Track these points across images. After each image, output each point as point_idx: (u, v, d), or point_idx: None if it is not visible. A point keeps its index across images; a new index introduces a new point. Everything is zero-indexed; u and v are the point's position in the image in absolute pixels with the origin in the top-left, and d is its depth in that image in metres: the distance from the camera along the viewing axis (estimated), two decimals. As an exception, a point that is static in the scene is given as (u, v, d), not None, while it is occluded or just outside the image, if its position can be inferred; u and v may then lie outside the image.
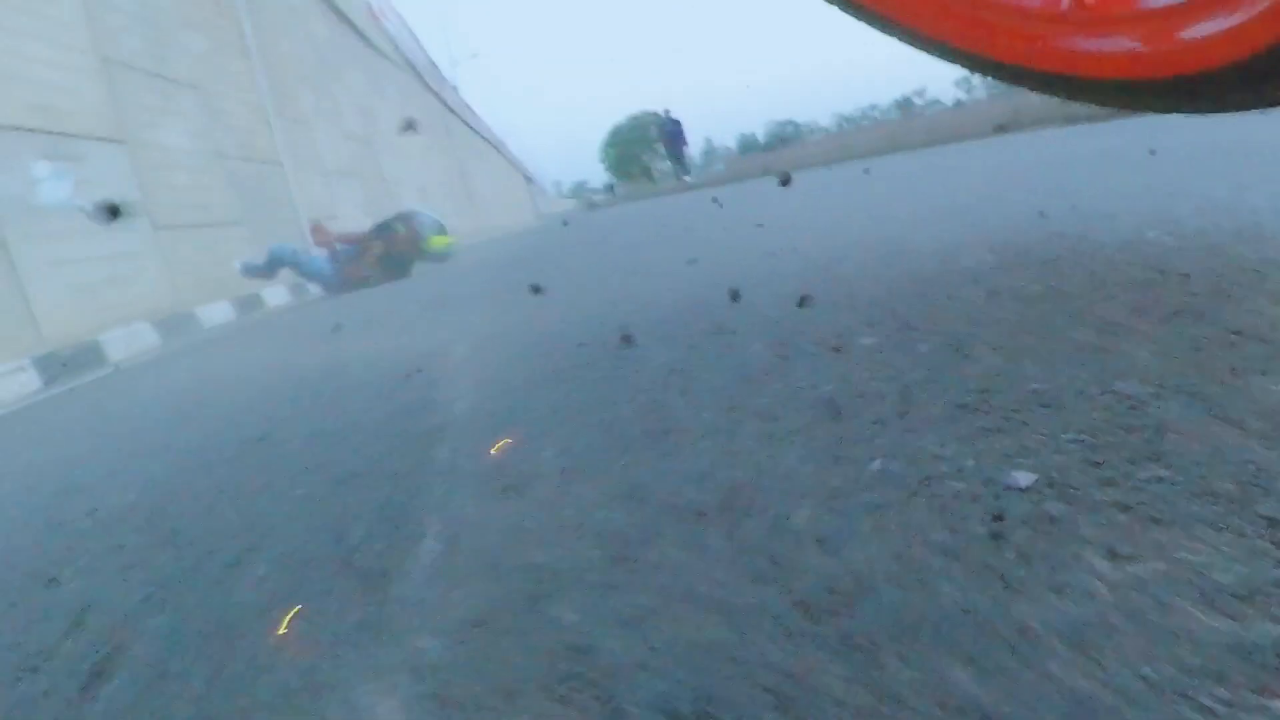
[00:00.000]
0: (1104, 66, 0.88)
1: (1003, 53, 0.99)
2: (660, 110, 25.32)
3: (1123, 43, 0.84)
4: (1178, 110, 0.90)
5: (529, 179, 61.02)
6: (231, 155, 8.60)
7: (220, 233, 7.76)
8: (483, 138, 40.32)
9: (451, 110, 30.13)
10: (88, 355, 5.00)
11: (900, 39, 1.13)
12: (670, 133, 24.51)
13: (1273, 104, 0.79)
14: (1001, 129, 8.26)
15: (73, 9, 6.31)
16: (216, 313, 6.70)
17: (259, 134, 9.58)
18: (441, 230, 7.35)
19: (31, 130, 5.45)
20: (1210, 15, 0.75)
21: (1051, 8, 0.93)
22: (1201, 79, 0.79)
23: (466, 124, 34.51)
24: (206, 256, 7.34)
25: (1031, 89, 1.02)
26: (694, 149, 29.96)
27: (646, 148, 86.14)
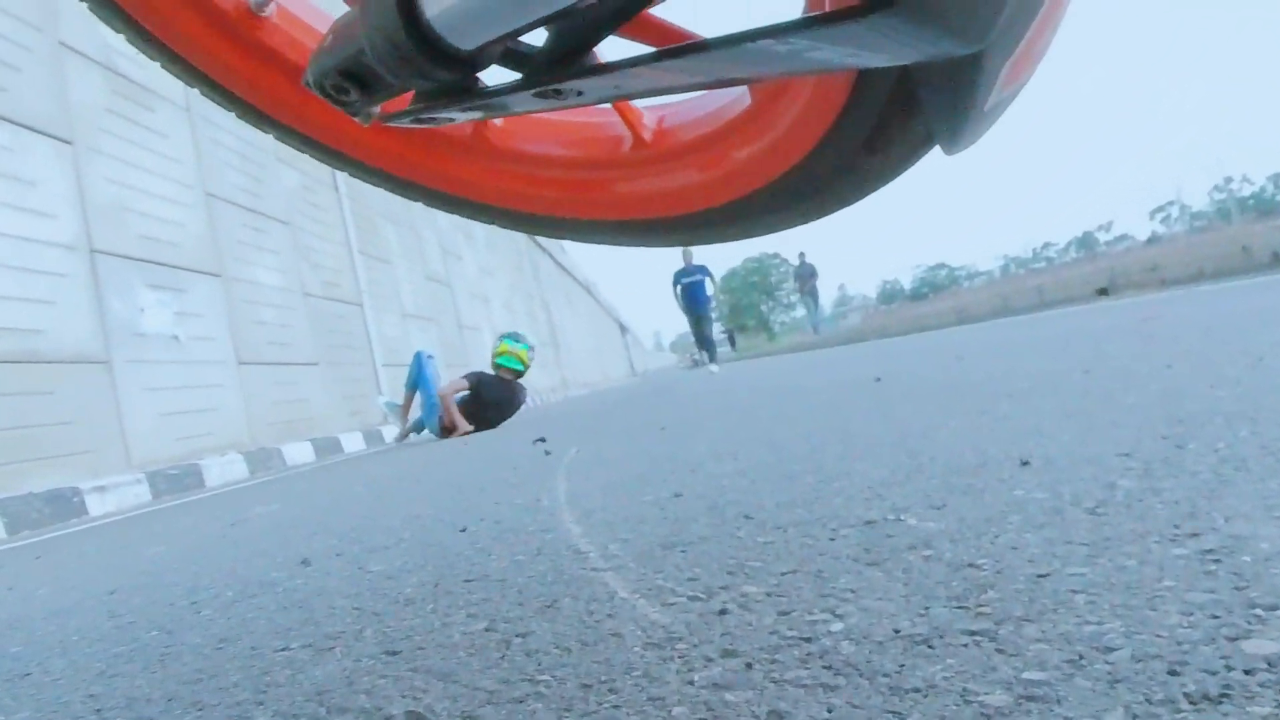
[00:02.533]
0: (670, 204, 1.07)
1: (553, 207, 1.17)
2: (797, 255, 25.92)
3: (687, 175, 1.02)
4: (722, 239, 1.12)
5: (624, 329, 62.92)
6: (315, 293, 9.70)
7: (297, 373, 8.68)
8: (573, 278, 42.62)
9: (540, 246, 32.20)
10: (190, 477, 5.87)
11: (467, 213, 1.27)
12: (806, 279, 25.02)
13: (806, 220, 1.01)
14: (1103, 293, 8.41)
15: (183, 145, 7.56)
16: (298, 452, 7.48)
17: (343, 272, 10.76)
18: (517, 339, 7.79)
19: (141, 260, 6.54)
20: (757, 136, 0.94)
21: (612, 153, 1.09)
22: (759, 199, 0.99)
23: (556, 262, 36.65)
24: (283, 394, 8.23)
25: (577, 239, 1.23)
26: (823, 297, 29.46)
27: (765, 296, 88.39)
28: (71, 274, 5.89)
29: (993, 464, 1.60)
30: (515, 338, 7.82)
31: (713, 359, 15.90)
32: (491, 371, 7.66)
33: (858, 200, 0.97)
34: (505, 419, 7.57)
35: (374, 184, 1.27)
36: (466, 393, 7.45)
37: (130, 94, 7.04)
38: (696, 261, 15.65)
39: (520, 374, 7.68)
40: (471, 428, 7.30)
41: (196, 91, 1.21)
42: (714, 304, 15.77)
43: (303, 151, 1.25)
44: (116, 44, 6.78)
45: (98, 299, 6.05)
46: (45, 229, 5.75)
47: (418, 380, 7.72)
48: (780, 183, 0.97)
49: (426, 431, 7.83)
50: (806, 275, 25.70)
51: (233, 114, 1.21)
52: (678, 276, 15.44)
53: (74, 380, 5.68)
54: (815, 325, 26.12)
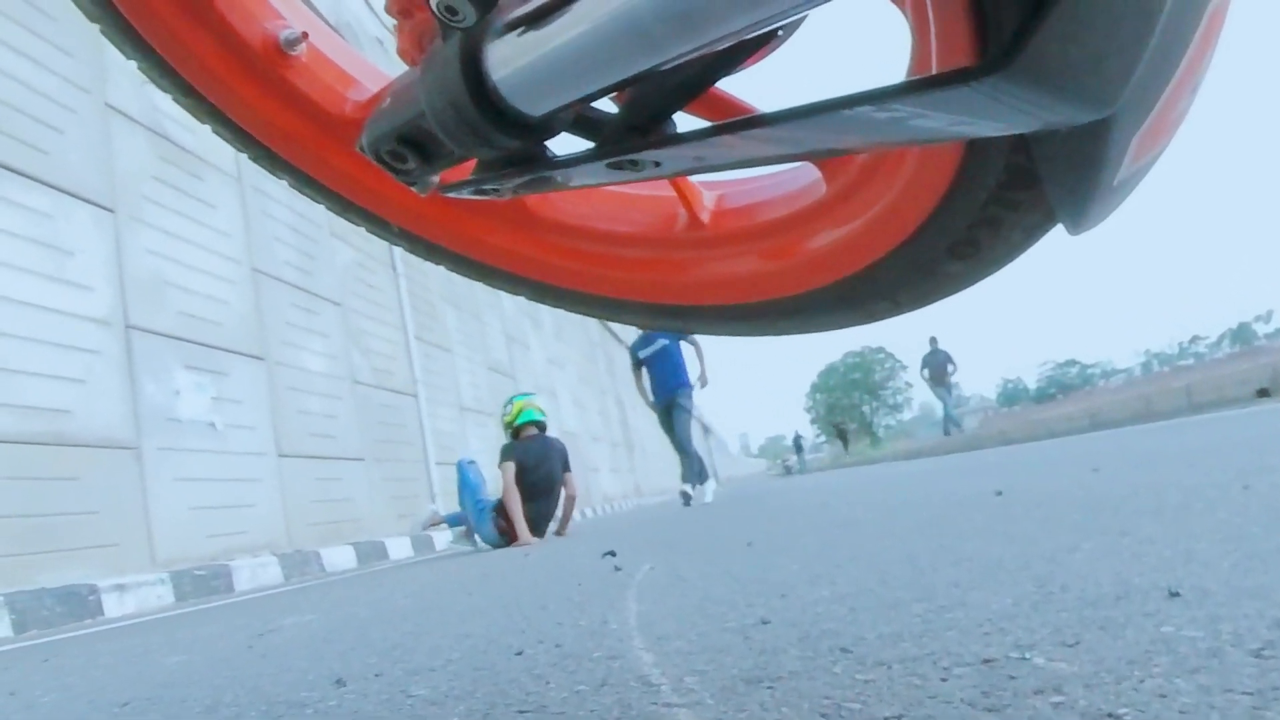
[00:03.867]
0: (726, 292, 1.08)
1: (595, 284, 1.18)
2: (928, 340, 23.84)
3: (747, 263, 1.03)
4: (781, 333, 1.11)
5: (706, 430, 62.88)
6: (366, 381, 9.93)
7: (342, 468, 8.84)
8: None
9: (614, 335, 32.54)
10: (218, 579, 6.00)
11: (508, 289, 1.29)
12: (939, 370, 23.11)
13: (882, 319, 1.00)
14: (1263, 394, 8.15)
15: (231, 216, 7.91)
16: (339, 557, 7.56)
17: (397, 359, 11.02)
18: (524, 394, 8.22)
19: (180, 339, 6.81)
20: (833, 226, 0.93)
21: (663, 231, 1.10)
22: (825, 295, 0.99)
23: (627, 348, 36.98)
24: (325, 492, 8.38)
25: (642, 325, 1.24)
26: (935, 400, 28.41)
27: (868, 396, 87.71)
28: (104, 351, 6.14)
29: (1136, 594, 1.54)
30: (522, 394, 8.30)
31: (702, 479, 11.14)
32: (513, 440, 7.93)
33: (953, 295, 0.96)
34: (556, 477, 7.82)
35: (394, 242, 1.30)
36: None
37: (178, 160, 7.42)
38: None
39: (544, 426, 8.09)
40: (535, 539, 7.43)
41: (247, 158, 1.26)
42: (698, 385, 11.09)
43: (316, 200, 1.28)
44: (165, 107, 7.17)
45: (130, 379, 6.29)
46: (80, 302, 6.03)
47: (461, 493, 7.86)
48: (858, 278, 0.97)
49: (479, 540, 7.89)
50: (939, 365, 23.27)
51: (281, 180, 1.26)
52: (636, 349, 11.10)
53: (100, 467, 5.88)
54: (950, 424, 24.06)
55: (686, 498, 10.64)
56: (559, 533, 8.03)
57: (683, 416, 10.75)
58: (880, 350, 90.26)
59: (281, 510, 7.69)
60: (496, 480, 7.71)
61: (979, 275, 0.90)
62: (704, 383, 11.00)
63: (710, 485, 11.16)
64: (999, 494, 4.24)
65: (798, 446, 48.50)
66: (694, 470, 10.84)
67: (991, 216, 0.81)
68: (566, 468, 7.94)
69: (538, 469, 7.69)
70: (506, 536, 7.47)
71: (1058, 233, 0.82)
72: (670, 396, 10.82)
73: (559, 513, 8.00)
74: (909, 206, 0.85)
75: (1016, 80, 0.44)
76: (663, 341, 10.72)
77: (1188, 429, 8.21)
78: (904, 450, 23.38)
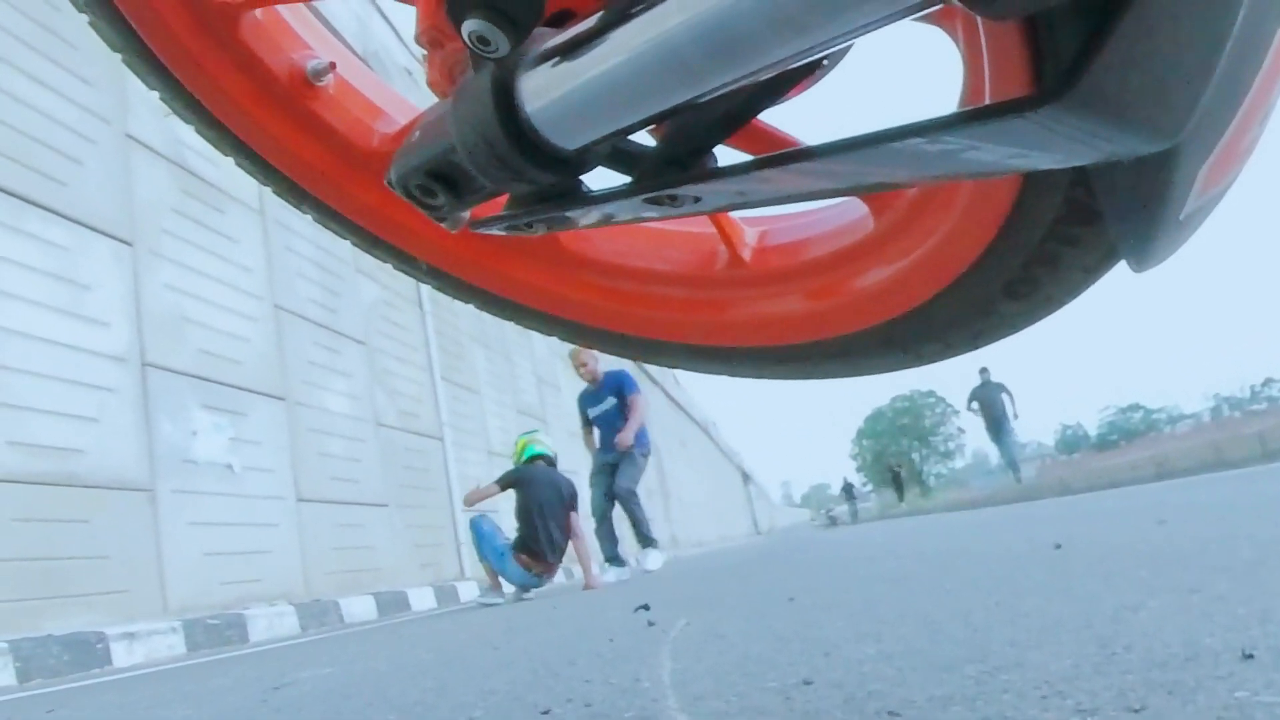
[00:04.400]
0: (767, 333, 1.07)
1: (627, 324, 1.19)
2: (978, 372, 20.95)
3: (791, 303, 1.02)
4: (825, 376, 1.10)
5: (747, 477, 62.64)
6: (390, 423, 10.00)
7: (364, 514, 8.89)
8: (688, 416, 42.82)
9: (650, 376, 32.60)
10: (232, 629, 6.03)
11: (537, 327, 1.30)
12: (991, 405, 20.43)
13: (932, 362, 0.99)
14: None
15: (253, 251, 8.03)
16: (359, 607, 7.58)
17: (423, 401, 11.09)
18: (527, 432, 8.54)
19: (198, 377, 6.91)
20: (882, 264, 0.93)
21: (702, 270, 1.09)
22: (873, 336, 0.98)
23: (668, 396, 36.97)
24: (346, 539, 8.42)
25: (675, 366, 1.23)
26: (987, 446, 27.24)
27: (918, 442, 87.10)
28: (119, 389, 6.23)
29: (1206, 656, 1.52)
30: (527, 432, 8.69)
31: (647, 543, 10.03)
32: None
33: (1008, 336, 0.96)
34: (563, 504, 7.92)
35: (422, 280, 1.31)
36: (498, 493, 7.87)
37: (199, 193, 7.55)
38: (608, 370, 10.41)
39: (553, 461, 8.28)
40: (552, 565, 7.68)
41: (270, 192, 1.28)
42: (643, 450, 10.14)
43: (335, 231, 1.30)
44: (188, 138, 7.31)
45: (146, 419, 6.38)
46: (96, 338, 6.13)
47: (480, 548, 7.87)
48: (907, 318, 0.97)
49: (504, 585, 7.90)
50: (991, 399, 19.91)
51: (306, 215, 1.28)
52: (584, 404, 10.29)
53: (112, 509, 5.95)
54: (1011, 467, 22.13)
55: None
56: (586, 586, 8.01)
57: (630, 474, 9.87)
58: (930, 394, 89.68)
59: (299, 557, 7.74)
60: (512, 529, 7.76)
61: (1036, 316, 0.89)
62: (623, 445, 9.81)
63: (652, 562, 9.93)
64: (1058, 547, 4.19)
65: (848, 494, 45.99)
66: (642, 535, 9.95)
67: (1050, 254, 0.80)
68: (571, 507, 8.01)
69: (544, 490, 7.81)
70: (532, 569, 7.57)
71: (1120, 270, 0.81)
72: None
73: (578, 559, 8.13)
74: (962, 243, 0.85)
75: (1075, 110, 0.44)
76: (611, 399, 10.12)
77: (1261, 478, 8.08)
78: (956, 500, 23.16)
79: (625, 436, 9.71)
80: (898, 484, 38.22)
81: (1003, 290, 0.86)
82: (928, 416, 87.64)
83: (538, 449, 8.28)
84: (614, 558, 9.46)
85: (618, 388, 10.14)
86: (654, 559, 9.93)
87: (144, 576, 6.09)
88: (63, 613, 5.38)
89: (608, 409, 10.08)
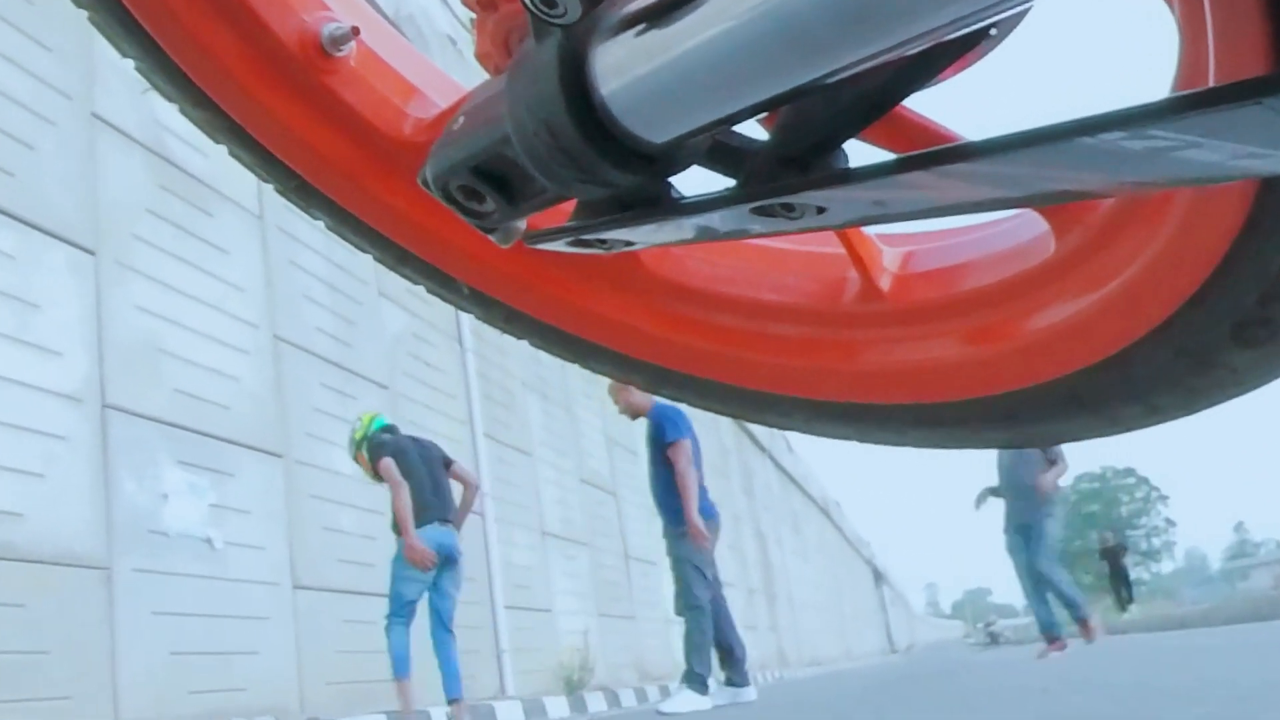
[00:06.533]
0: (913, 386, 1.04)
1: (729, 372, 1.15)
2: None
3: (944, 348, 0.99)
4: (988, 444, 1.05)
5: (879, 576, 61.94)
6: (416, 493, 10.03)
7: (378, 607, 8.81)
8: (804, 493, 42.28)
9: (753, 438, 32.36)
10: None
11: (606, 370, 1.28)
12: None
13: (1127, 429, 0.94)
14: None
15: (248, 265, 8.11)
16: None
17: (461, 458, 11.12)
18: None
19: (172, 425, 6.95)
20: (1065, 295, 0.89)
21: (827, 302, 1.06)
22: (1053, 394, 0.95)
23: (778, 466, 36.64)
24: (355, 639, 8.36)
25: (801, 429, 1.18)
26: (1207, 546, 26.76)
27: (1111, 528, 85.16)
28: (72, 437, 6.29)
29: None
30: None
31: (689, 679, 8.83)
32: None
33: (1234, 398, 0.92)
34: (442, 474, 8.39)
35: (462, 307, 1.30)
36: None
37: (182, 189, 7.65)
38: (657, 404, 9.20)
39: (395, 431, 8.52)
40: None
41: (272, 190, 1.29)
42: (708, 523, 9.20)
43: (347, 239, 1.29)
44: (169, 120, 7.37)
45: (104, 476, 6.43)
46: (45, 371, 6.19)
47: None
48: (1099, 371, 0.93)
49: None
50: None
51: (317, 220, 1.29)
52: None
53: (57, 591, 5.96)
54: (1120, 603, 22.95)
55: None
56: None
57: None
58: (1129, 473, 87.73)
59: (294, 662, 7.72)
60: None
61: (1274, 370, 0.87)
62: (695, 538, 8.96)
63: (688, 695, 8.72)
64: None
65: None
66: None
67: None
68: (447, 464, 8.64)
69: (423, 470, 8.22)
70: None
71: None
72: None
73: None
74: (1176, 272, 0.83)
75: None
76: (649, 451, 9.42)
77: None
78: (1162, 617, 22.56)
79: (692, 521, 8.93)
80: (1116, 575, 30.82)
81: (1230, 334, 0.83)
82: (1124, 503, 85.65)
83: (384, 420, 8.51)
84: (691, 676, 8.73)
85: (656, 430, 9.31)
86: (684, 700, 8.68)
87: (92, 679, 6.09)
88: (-14, 723, 5.37)
89: (649, 462, 9.45)
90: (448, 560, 8.13)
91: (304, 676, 7.81)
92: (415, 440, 8.50)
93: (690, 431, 9.21)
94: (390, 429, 8.46)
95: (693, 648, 8.88)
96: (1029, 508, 13.06)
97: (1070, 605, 13.07)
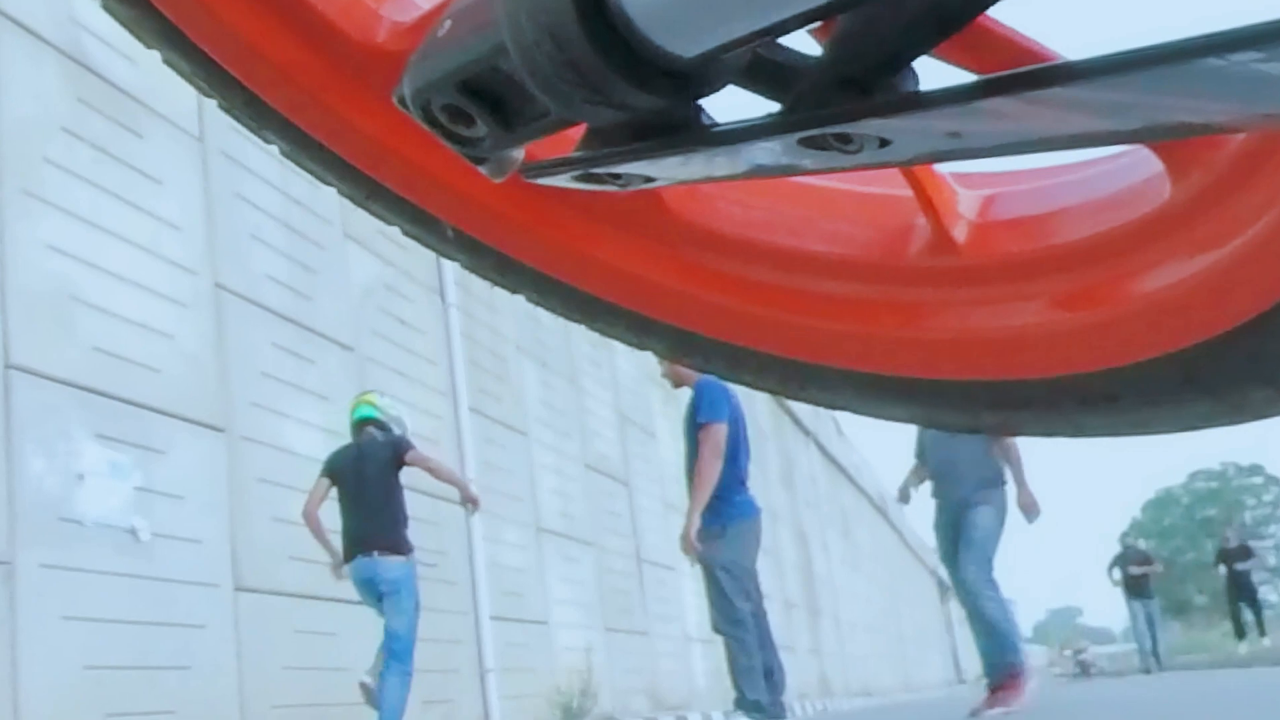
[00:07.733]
0: (992, 359, 1.02)
1: (770, 338, 1.14)
2: None
3: (1029, 311, 0.98)
4: (1077, 432, 1.04)
5: (946, 589, 61.76)
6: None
7: (337, 615, 8.85)
8: (855, 486, 42.13)
9: (794, 417, 32.34)
10: None
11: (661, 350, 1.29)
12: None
13: (1240, 418, 0.93)
14: None
15: (187, 200, 8.05)
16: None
17: (439, 443, 11.04)
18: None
19: (90, 390, 6.92)
20: (1183, 251, 0.89)
21: (890, 254, 1.05)
22: (1163, 371, 0.92)
23: (824, 453, 36.59)
24: (307, 651, 8.38)
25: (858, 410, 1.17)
26: None
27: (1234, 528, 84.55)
28: (-35, 406, 6.25)
29: None
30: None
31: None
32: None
33: None
34: (388, 487, 8.42)
35: (445, 252, 1.30)
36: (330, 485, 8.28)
37: (104, 104, 7.60)
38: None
39: (384, 426, 8.71)
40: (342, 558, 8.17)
41: (216, 106, 1.28)
42: (741, 523, 9.53)
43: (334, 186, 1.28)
44: (88, 18, 7.23)
45: (5, 450, 6.38)
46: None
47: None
48: (1221, 346, 0.91)
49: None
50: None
51: (270, 145, 1.28)
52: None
53: (-55, 591, 5.93)
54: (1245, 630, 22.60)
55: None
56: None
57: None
58: (1257, 471, 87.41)
59: (235, 679, 7.70)
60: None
61: None
62: (689, 545, 9.39)
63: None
64: None
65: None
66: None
67: None
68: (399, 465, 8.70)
69: (359, 488, 8.37)
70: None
71: None
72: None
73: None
74: None
75: None
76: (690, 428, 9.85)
77: None
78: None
79: (688, 525, 9.38)
80: (1237, 586, 26.32)
81: None
82: (1250, 507, 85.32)
83: (368, 411, 8.73)
84: (744, 703, 9.00)
85: (693, 407, 9.82)
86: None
87: (-9, 700, 6.08)
88: None
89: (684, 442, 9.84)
90: (382, 596, 8.23)
91: (246, 697, 7.80)
92: (359, 448, 8.61)
93: (731, 414, 9.49)
94: (366, 423, 8.62)
95: (740, 671, 9.05)
96: (961, 486, 10.96)
97: (992, 640, 10.69)
